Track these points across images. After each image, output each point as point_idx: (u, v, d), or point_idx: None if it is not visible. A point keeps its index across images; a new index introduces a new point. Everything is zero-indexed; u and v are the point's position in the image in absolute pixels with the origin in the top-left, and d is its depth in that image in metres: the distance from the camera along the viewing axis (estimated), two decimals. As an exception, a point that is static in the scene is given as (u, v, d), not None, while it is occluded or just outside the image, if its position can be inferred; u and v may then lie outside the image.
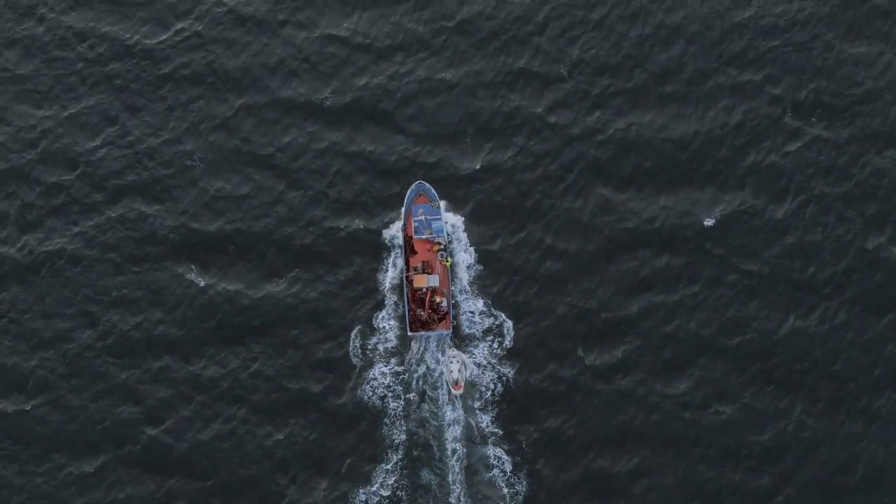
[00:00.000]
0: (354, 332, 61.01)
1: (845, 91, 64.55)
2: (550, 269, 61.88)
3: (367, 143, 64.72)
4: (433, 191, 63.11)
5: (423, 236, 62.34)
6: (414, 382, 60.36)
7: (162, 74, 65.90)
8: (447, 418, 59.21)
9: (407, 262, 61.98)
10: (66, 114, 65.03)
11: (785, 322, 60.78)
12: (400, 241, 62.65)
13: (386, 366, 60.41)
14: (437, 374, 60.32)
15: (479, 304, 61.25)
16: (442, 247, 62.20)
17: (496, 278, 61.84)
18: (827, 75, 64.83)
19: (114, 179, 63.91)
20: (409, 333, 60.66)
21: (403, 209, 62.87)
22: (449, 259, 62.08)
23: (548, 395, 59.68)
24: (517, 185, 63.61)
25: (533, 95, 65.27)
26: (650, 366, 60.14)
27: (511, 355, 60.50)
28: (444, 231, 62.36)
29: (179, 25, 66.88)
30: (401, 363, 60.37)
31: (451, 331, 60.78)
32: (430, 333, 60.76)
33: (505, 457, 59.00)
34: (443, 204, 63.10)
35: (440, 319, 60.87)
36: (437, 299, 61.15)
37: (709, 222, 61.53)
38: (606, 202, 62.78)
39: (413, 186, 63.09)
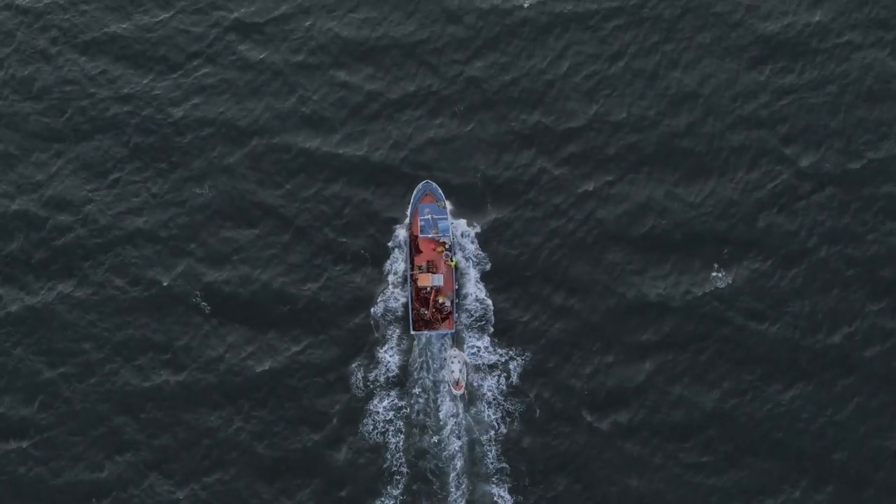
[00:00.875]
0: (355, 364, 60.45)
1: (862, 154, 63.80)
2: (558, 329, 60.73)
3: (373, 194, 64.02)
4: (440, 190, 63.16)
5: (429, 235, 62.34)
6: (415, 382, 60.22)
7: (168, 121, 65.35)
8: (450, 449, 59.03)
9: (412, 261, 61.93)
10: (68, 157, 64.41)
11: (793, 390, 59.52)
12: (405, 239, 62.70)
13: (387, 398, 59.75)
14: (438, 374, 60.28)
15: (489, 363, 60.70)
16: (447, 246, 62.21)
17: (502, 336, 61.02)
18: (845, 138, 64.11)
19: (117, 224, 63.07)
20: (412, 332, 60.53)
21: (409, 208, 62.88)
22: (454, 259, 62.07)
23: (553, 455, 58.80)
24: (525, 243, 62.74)
25: (545, 151, 64.69)
26: (658, 430, 58.98)
27: (516, 423, 59.47)
28: (450, 231, 62.37)
29: (188, 69, 66.57)
30: (402, 396, 59.69)
31: (453, 331, 60.69)
32: (433, 333, 60.65)
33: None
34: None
35: (443, 319, 60.79)
36: (441, 299, 61.10)
37: (720, 284, 60.70)
38: (616, 264, 61.90)
39: (420, 185, 63.13)
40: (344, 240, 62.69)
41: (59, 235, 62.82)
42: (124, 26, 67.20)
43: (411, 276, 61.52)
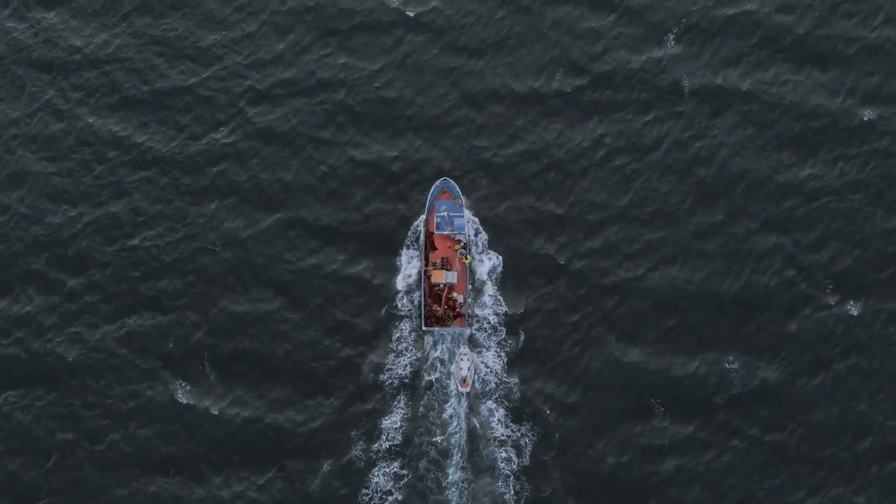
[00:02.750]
0: (355, 432, 60.32)
1: (884, 265, 62.45)
2: (564, 424, 60.04)
3: (379, 275, 63.04)
4: (457, 188, 63.19)
5: (445, 232, 62.51)
6: (424, 378, 60.82)
7: (185, 184, 64.52)
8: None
9: (426, 258, 62.19)
10: (86, 219, 63.73)
11: (802, 497, 59.25)
12: (421, 235, 62.90)
13: (389, 466, 59.83)
14: (447, 371, 60.80)
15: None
16: (462, 244, 62.39)
17: (519, 415, 60.48)
18: (864, 246, 62.70)
19: (124, 288, 62.56)
20: (424, 328, 60.99)
21: (427, 204, 62.99)
22: (468, 257, 62.27)
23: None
24: (537, 332, 61.73)
25: (573, 239, 63.49)
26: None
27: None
28: (466, 229, 62.49)
29: (209, 136, 65.56)
30: (404, 466, 59.72)
31: (465, 328, 61.09)
32: (445, 330, 61.08)
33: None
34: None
35: (455, 317, 61.18)
36: (454, 296, 61.43)
37: (734, 390, 59.92)
38: (626, 358, 60.82)
39: (438, 182, 63.17)
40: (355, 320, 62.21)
41: (68, 300, 62.33)
42: (145, 89, 66.58)
43: (425, 272, 61.82)
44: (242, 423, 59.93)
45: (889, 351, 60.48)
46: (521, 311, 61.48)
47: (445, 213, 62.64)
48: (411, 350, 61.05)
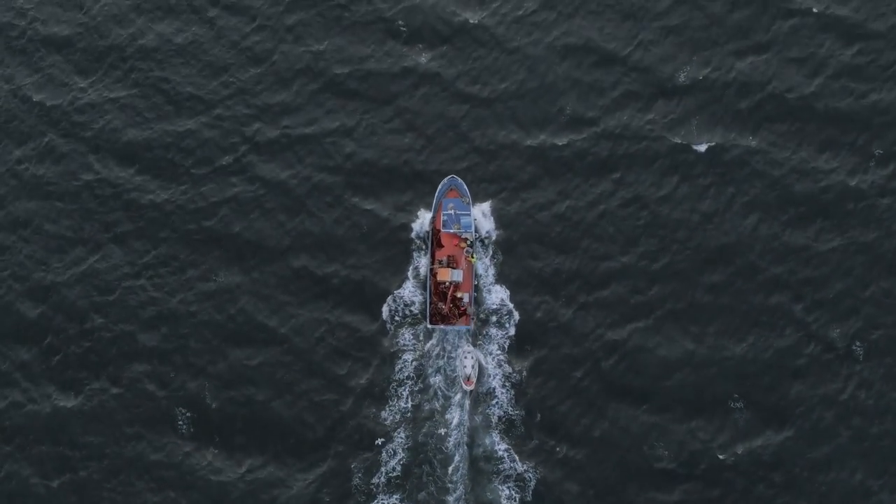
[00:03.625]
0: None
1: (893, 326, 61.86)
2: (569, 489, 59.59)
3: (364, 326, 62.35)
4: (465, 186, 63.32)
5: (451, 230, 62.60)
6: (429, 376, 60.80)
7: (183, 232, 64.04)
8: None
9: (432, 255, 62.27)
10: (79, 267, 63.47)
11: None
12: (427, 232, 63.00)
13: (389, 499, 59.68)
14: (451, 369, 60.77)
15: None
16: (469, 243, 62.46)
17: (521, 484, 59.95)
18: (874, 307, 61.91)
19: (118, 335, 62.14)
20: (429, 326, 61.01)
21: (434, 202, 63.12)
22: (474, 255, 62.34)
23: None
24: (534, 395, 61.02)
25: (579, 291, 62.82)
26: None
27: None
28: (473, 227, 62.59)
29: (208, 184, 65.11)
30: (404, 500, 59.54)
31: (470, 327, 61.09)
32: (450, 328, 61.08)
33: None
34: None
35: (461, 315, 61.20)
36: (460, 294, 61.46)
37: (730, 458, 59.21)
38: (626, 422, 60.18)
39: (445, 180, 63.32)
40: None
41: (60, 349, 61.96)
42: (145, 134, 66.30)
43: (431, 270, 61.88)
44: (236, 478, 59.65)
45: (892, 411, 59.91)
46: (527, 365, 60.96)
47: (453, 211, 62.76)
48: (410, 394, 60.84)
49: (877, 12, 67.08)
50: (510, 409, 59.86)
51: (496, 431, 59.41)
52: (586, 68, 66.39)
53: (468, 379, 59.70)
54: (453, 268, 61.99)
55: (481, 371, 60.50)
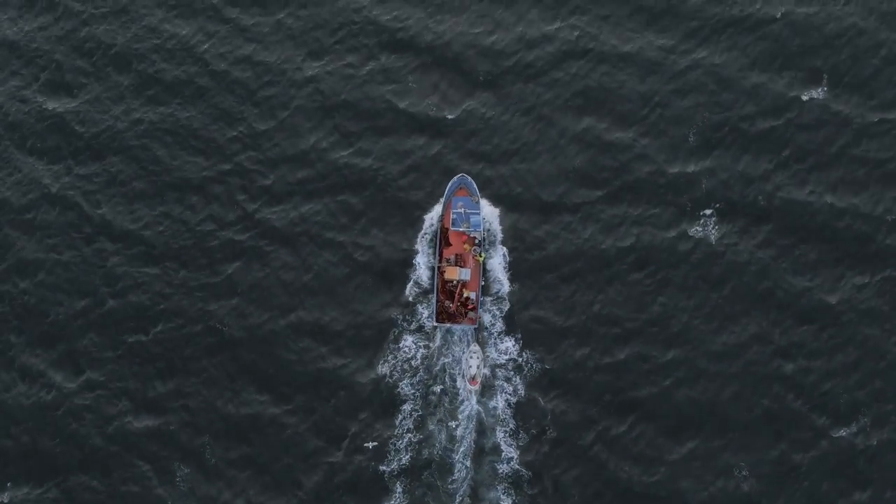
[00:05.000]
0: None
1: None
2: None
3: (362, 375, 61.67)
4: (474, 185, 62.95)
5: (460, 229, 62.35)
6: (434, 374, 60.83)
7: (193, 281, 63.37)
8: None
9: (440, 254, 62.09)
10: (90, 314, 62.93)
11: None
12: (436, 230, 62.78)
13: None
14: (456, 367, 60.76)
15: None
16: (477, 241, 62.20)
17: None
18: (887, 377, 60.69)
19: (128, 385, 61.77)
20: (435, 324, 60.96)
21: (443, 199, 62.86)
22: (482, 254, 62.08)
23: None
24: (551, 452, 60.25)
25: (584, 349, 61.65)
26: None
27: None
28: (482, 226, 62.29)
29: (220, 233, 64.29)
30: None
31: (476, 326, 60.96)
32: (456, 327, 61.00)
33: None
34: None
35: (467, 313, 61.07)
36: (467, 293, 61.31)
37: None
38: (640, 477, 59.34)
39: (455, 178, 62.97)
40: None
41: (73, 394, 61.66)
42: (156, 181, 65.62)
43: (439, 268, 61.72)
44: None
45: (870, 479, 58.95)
46: (537, 429, 60.27)
47: (462, 210, 62.47)
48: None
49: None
50: (515, 465, 59.59)
51: (501, 486, 59.37)
52: (602, 128, 65.06)
53: (473, 379, 59.65)
54: (461, 266, 61.81)
55: (485, 371, 60.54)
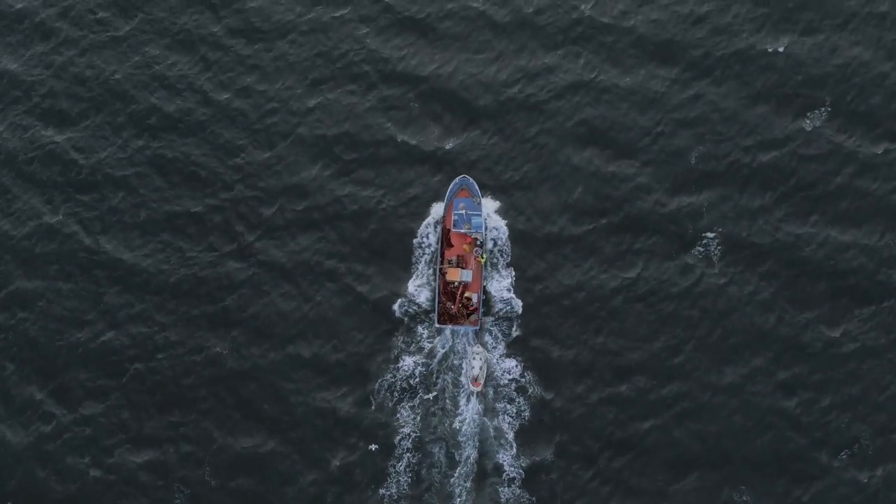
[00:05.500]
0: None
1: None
2: None
3: (360, 401, 61.17)
4: (476, 186, 62.96)
5: (461, 230, 62.28)
6: (435, 375, 60.61)
7: (189, 313, 62.72)
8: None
9: (442, 255, 61.99)
10: (86, 345, 62.18)
11: None
12: (437, 232, 62.68)
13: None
14: (459, 368, 60.58)
15: None
16: (479, 243, 62.15)
17: None
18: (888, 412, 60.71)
19: (124, 419, 60.98)
20: (437, 325, 60.80)
21: (445, 201, 62.80)
22: (484, 256, 62.02)
23: None
24: (552, 481, 59.92)
25: (586, 382, 61.28)
26: None
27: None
28: (483, 227, 62.25)
29: (217, 266, 63.59)
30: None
31: (478, 327, 60.83)
32: (458, 328, 60.84)
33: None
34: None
35: (469, 315, 60.95)
36: (469, 294, 61.20)
37: None
38: None
39: (457, 180, 62.95)
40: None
41: (69, 427, 60.82)
42: (153, 212, 65.02)
43: (440, 269, 61.62)
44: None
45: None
46: (539, 455, 59.99)
47: (464, 211, 62.42)
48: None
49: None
50: (517, 489, 59.25)
51: None
52: (603, 160, 64.90)
53: (476, 380, 59.48)
54: (463, 268, 61.72)
55: (489, 373, 60.36)
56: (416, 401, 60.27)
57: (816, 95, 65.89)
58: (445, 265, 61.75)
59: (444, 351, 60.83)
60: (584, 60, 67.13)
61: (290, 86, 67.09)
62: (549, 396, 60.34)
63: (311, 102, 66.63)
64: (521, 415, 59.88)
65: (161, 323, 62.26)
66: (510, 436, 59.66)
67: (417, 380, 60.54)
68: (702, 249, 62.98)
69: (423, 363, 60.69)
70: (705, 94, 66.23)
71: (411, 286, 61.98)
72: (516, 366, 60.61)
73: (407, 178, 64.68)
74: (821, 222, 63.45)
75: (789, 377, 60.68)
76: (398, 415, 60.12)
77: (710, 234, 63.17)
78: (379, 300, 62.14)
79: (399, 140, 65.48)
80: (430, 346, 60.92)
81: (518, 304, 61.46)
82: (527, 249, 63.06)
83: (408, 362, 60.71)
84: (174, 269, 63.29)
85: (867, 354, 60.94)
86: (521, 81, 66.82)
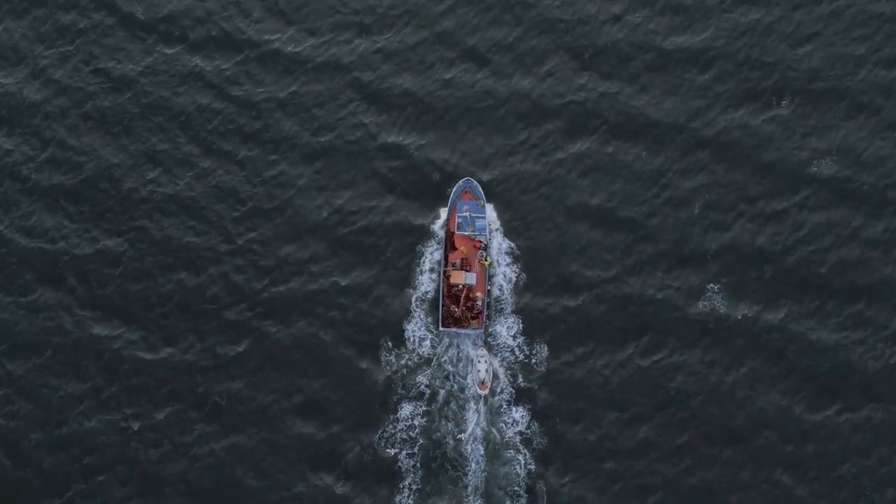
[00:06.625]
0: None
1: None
2: None
3: (361, 449, 60.27)
4: (480, 189, 62.88)
5: (465, 233, 62.16)
6: (440, 379, 60.35)
7: (173, 402, 61.44)
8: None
9: (446, 258, 61.82)
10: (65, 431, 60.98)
11: None
12: (441, 235, 62.55)
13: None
14: (464, 372, 60.35)
15: None
16: (483, 245, 62.04)
17: None
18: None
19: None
20: (441, 328, 60.56)
21: (448, 204, 62.67)
22: (488, 258, 61.91)
23: None
24: None
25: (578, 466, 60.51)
26: None
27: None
28: (487, 230, 62.16)
29: (206, 353, 62.32)
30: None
31: (483, 330, 60.66)
32: (462, 331, 60.64)
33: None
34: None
35: (473, 318, 60.77)
36: (473, 296, 61.04)
37: None
38: None
39: (460, 182, 62.86)
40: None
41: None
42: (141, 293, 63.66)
43: (444, 272, 61.42)
44: None
45: None
46: None
47: (467, 214, 62.33)
48: None
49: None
50: None
51: None
52: (598, 236, 63.98)
53: (482, 383, 59.27)
54: (467, 271, 61.57)
55: (494, 375, 60.18)
56: (417, 447, 59.51)
57: (829, 139, 65.20)
58: (449, 268, 61.57)
59: (441, 405, 60.32)
60: (592, 103, 66.30)
61: (296, 131, 66.16)
62: (557, 447, 59.67)
63: (317, 146, 65.68)
64: (527, 464, 59.16)
65: (163, 375, 61.16)
66: (517, 487, 59.09)
67: (417, 427, 59.79)
68: (712, 295, 62.04)
69: (423, 412, 59.95)
70: (715, 138, 65.33)
71: (415, 327, 61.55)
72: (523, 415, 60.01)
73: (414, 222, 63.80)
74: (837, 266, 62.79)
75: (804, 424, 59.82)
76: (400, 461, 59.44)
77: (721, 279, 62.25)
78: (379, 341, 61.45)
79: (406, 181, 64.70)
80: (426, 381, 60.45)
81: (516, 353, 61.23)
82: (533, 292, 62.29)
83: (406, 410, 60.02)
84: (176, 319, 62.27)
85: (883, 401, 60.23)
86: (528, 126, 66.25)
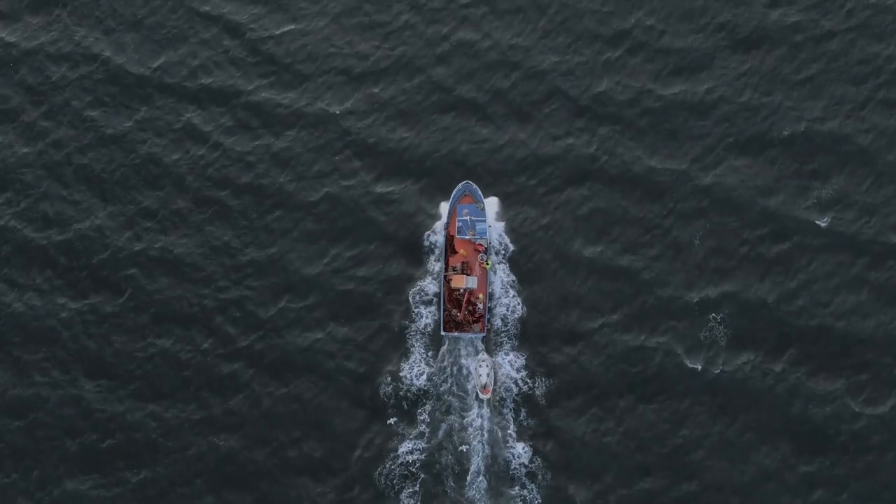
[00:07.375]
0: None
1: None
2: None
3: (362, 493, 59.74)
4: (479, 192, 62.55)
5: (466, 237, 61.77)
6: (443, 384, 59.88)
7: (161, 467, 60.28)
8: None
9: (447, 262, 61.42)
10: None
11: None
12: (441, 239, 62.18)
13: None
14: (466, 377, 59.90)
15: None
16: (483, 249, 61.66)
17: None
18: None
19: None
20: (443, 333, 60.10)
21: (448, 207, 62.33)
22: (489, 262, 61.52)
23: None
24: None
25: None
26: None
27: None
28: (487, 233, 61.78)
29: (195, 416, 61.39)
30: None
31: (485, 334, 60.21)
32: (464, 335, 60.19)
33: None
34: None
35: (475, 322, 60.34)
36: (474, 300, 60.63)
37: None
38: None
39: (460, 186, 62.55)
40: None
41: None
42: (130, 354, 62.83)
43: (445, 276, 61.01)
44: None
45: None
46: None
47: (467, 217, 61.96)
48: None
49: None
50: None
51: None
52: (590, 287, 63.46)
53: (485, 388, 58.77)
54: (468, 274, 61.17)
55: (496, 379, 59.73)
56: (417, 485, 58.78)
57: (830, 183, 64.91)
58: (450, 272, 61.15)
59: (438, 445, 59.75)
60: (589, 151, 66.01)
61: (291, 180, 65.67)
62: (562, 496, 59.04)
63: (314, 196, 65.22)
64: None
65: (158, 429, 60.41)
66: None
67: (417, 466, 59.04)
68: (714, 342, 61.31)
69: (421, 450, 59.19)
70: (715, 184, 64.92)
71: (411, 373, 60.71)
72: (524, 449, 59.27)
73: (411, 272, 63.10)
74: (838, 311, 62.06)
75: (812, 471, 59.05)
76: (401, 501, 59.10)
77: (723, 327, 61.46)
78: (378, 390, 60.72)
79: (403, 229, 64.08)
80: (424, 416, 59.78)
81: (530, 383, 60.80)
82: (533, 344, 61.86)
83: (406, 446, 59.33)
84: (170, 372, 61.53)
85: (891, 443, 59.53)
86: (527, 169, 65.81)
